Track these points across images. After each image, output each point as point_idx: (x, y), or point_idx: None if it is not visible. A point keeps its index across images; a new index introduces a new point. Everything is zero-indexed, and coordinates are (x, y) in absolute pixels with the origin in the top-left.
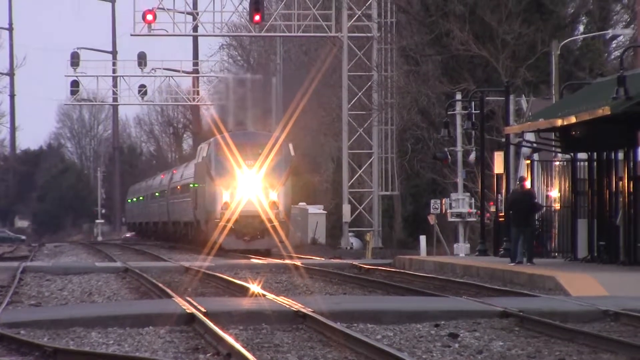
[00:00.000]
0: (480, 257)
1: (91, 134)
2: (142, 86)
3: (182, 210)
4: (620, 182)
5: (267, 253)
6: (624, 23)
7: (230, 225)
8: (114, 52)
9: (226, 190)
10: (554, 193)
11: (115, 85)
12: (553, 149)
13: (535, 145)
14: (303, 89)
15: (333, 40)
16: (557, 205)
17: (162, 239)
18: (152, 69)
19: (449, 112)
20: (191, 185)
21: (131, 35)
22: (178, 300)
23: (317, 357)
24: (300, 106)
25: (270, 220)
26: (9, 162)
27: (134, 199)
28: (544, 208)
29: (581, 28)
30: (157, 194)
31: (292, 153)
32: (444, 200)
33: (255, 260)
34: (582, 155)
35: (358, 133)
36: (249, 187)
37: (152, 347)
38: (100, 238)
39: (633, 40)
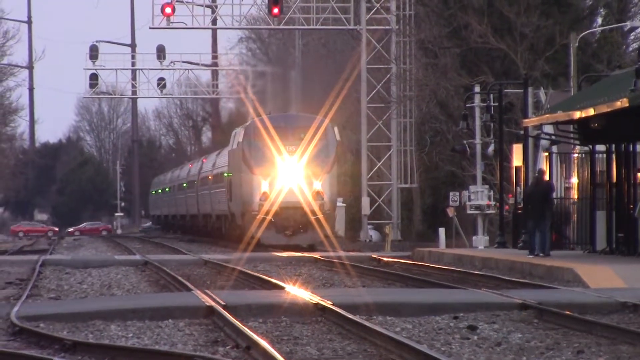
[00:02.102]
0: (499, 250)
1: (110, 127)
2: (161, 79)
3: (214, 201)
4: (639, 174)
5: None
6: None
7: (269, 217)
8: (132, 45)
9: (265, 180)
10: (573, 185)
11: (134, 78)
12: (571, 141)
13: (553, 137)
14: (326, 82)
15: (352, 33)
16: (575, 197)
17: (191, 233)
18: (171, 62)
19: (467, 105)
20: (225, 175)
21: (150, 28)
22: (197, 293)
23: (337, 350)
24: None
25: (314, 213)
26: (28, 156)
27: (159, 191)
28: (558, 201)
29: (599, 20)
30: (184, 184)
31: (338, 137)
32: (462, 192)
33: (275, 254)
34: (600, 148)
35: (377, 126)
36: (290, 175)
37: (171, 339)
38: (119, 231)
39: None
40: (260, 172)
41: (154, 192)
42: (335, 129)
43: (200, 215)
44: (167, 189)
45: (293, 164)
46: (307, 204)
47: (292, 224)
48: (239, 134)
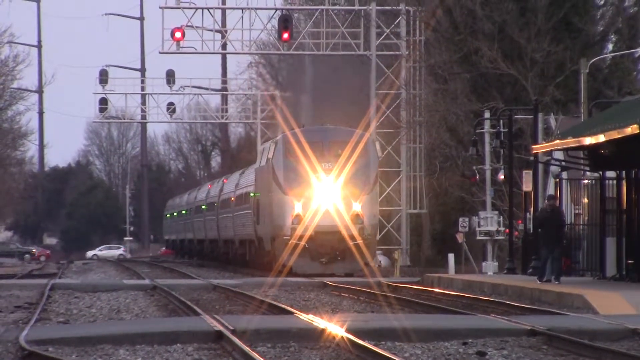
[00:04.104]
0: (508, 276)
1: (120, 152)
2: (171, 104)
3: (237, 225)
4: None
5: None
6: None
7: (303, 243)
8: (142, 70)
9: (298, 200)
10: (584, 204)
11: (143, 102)
12: (581, 167)
13: (563, 163)
14: (336, 107)
15: (361, 59)
16: (585, 224)
17: (210, 259)
18: (181, 87)
19: (477, 130)
20: (251, 195)
21: (160, 52)
22: (206, 317)
23: None
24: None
25: (352, 238)
26: (37, 180)
27: (174, 214)
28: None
29: (610, 46)
30: (203, 207)
31: (380, 154)
32: (472, 218)
33: (283, 278)
34: (610, 174)
35: (386, 151)
36: (327, 196)
37: None
38: (128, 255)
39: None
40: (293, 192)
41: (168, 216)
42: (377, 145)
43: (221, 240)
44: (183, 212)
45: (329, 183)
46: (345, 227)
47: (328, 251)
48: (268, 150)
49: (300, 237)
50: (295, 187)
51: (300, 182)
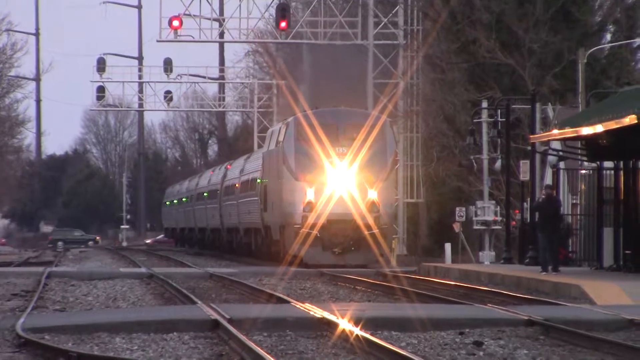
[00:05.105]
0: (505, 265)
1: (116, 140)
2: (168, 92)
3: (242, 213)
4: None
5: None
6: None
7: (315, 232)
8: (140, 58)
9: (310, 187)
10: (582, 190)
11: (141, 91)
12: (579, 157)
13: (561, 153)
14: (334, 96)
15: (359, 47)
16: (582, 214)
17: (211, 248)
18: (178, 75)
19: (475, 120)
20: (258, 181)
21: (157, 41)
22: (202, 306)
23: None
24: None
25: (368, 227)
26: (34, 168)
27: (174, 201)
28: (568, 217)
29: (608, 36)
30: (205, 194)
31: (397, 138)
32: (469, 208)
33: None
34: (608, 164)
35: None
36: (340, 182)
37: (176, 353)
38: (125, 244)
39: None
40: (304, 177)
41: (168, 203)
42: (395, 128)
43: (225, 229)
44: (183, 199)
45: (344, 168)
46: (360, 216)
47: (341, 240)
48: (278, 132)
49: (312, 226)
50: (307, 172)
51: (312, 167)
